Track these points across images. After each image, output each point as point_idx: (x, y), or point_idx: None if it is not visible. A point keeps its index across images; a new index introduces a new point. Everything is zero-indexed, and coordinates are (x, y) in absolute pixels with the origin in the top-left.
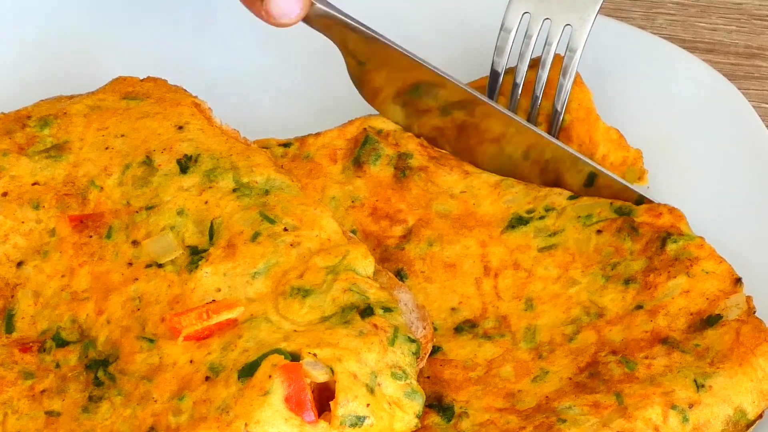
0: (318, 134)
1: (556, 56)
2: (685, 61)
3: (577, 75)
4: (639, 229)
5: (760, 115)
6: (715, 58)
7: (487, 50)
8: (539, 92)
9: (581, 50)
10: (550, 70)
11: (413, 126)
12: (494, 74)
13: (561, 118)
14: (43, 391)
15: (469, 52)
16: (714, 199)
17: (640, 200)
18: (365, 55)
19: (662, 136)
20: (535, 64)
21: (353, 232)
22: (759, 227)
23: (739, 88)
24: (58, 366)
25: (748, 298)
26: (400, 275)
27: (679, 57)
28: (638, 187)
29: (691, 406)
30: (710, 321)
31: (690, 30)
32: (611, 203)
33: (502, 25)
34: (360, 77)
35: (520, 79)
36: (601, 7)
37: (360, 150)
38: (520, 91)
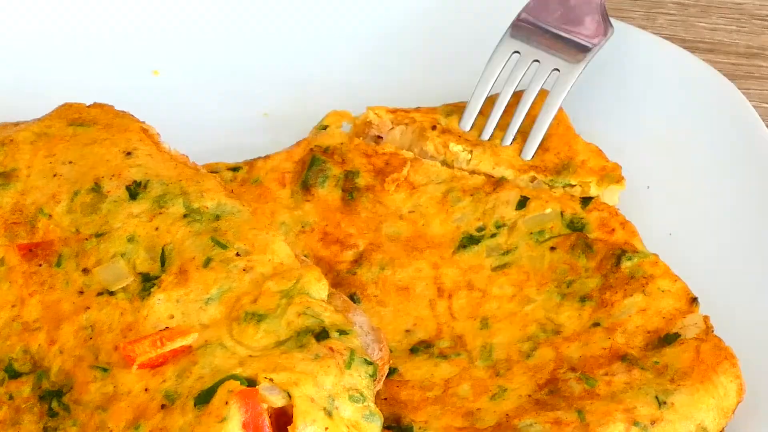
0: (267, 157)
1: (542, 90)
2: (685, 61)
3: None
4: (593, 246)
5: (760, 115)
6: (716, 58)
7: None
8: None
9: (566, 91)
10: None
11: None
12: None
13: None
14: None
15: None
16: (713, 199)
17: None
18: None
19: (662, 135)
20: (517, 97)
21: (305, 256)
22: (759, 227)
23: (740, 88)
24: (11, 398)
25: (705, 318)
26: (352, 300)
27: (679, 57)
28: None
29: (653, 422)
30: (668, 339)
31: (690, 30)
32: (561, 214)
33: (490, 59)
34: None
35: (501, 104)
36: (591, 59)
37: (307, 173)
38: (499, 116)
